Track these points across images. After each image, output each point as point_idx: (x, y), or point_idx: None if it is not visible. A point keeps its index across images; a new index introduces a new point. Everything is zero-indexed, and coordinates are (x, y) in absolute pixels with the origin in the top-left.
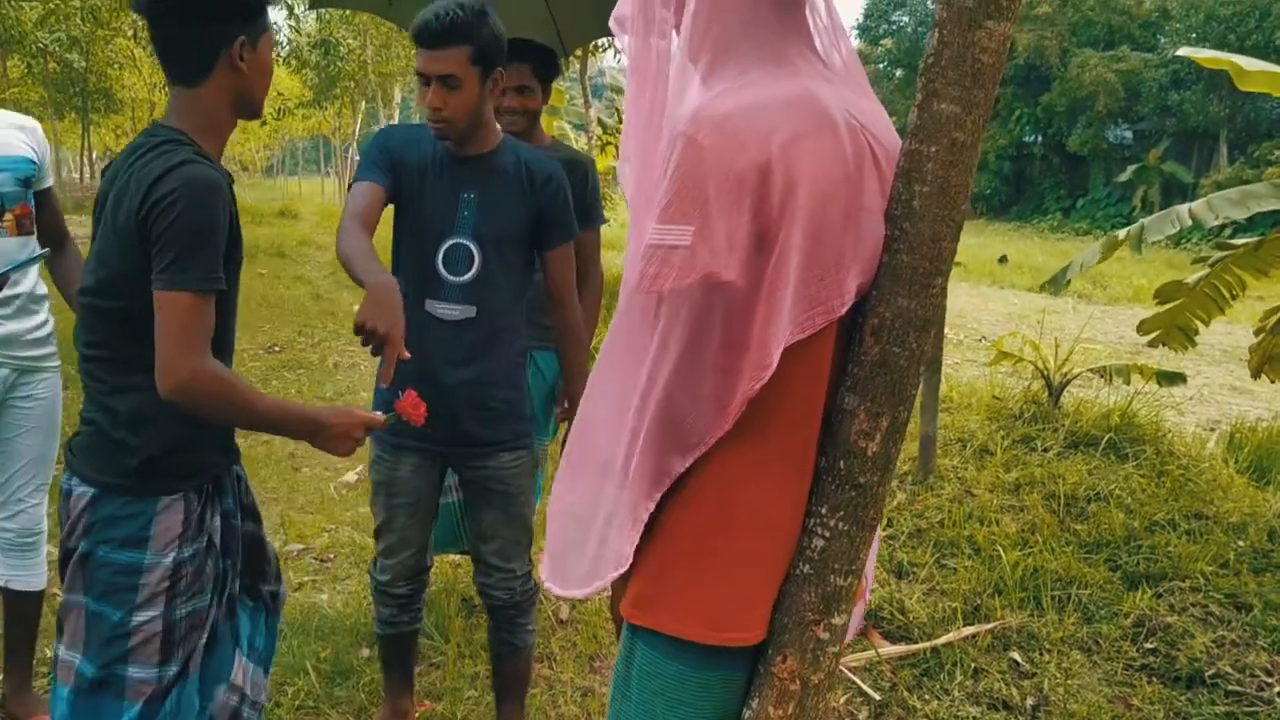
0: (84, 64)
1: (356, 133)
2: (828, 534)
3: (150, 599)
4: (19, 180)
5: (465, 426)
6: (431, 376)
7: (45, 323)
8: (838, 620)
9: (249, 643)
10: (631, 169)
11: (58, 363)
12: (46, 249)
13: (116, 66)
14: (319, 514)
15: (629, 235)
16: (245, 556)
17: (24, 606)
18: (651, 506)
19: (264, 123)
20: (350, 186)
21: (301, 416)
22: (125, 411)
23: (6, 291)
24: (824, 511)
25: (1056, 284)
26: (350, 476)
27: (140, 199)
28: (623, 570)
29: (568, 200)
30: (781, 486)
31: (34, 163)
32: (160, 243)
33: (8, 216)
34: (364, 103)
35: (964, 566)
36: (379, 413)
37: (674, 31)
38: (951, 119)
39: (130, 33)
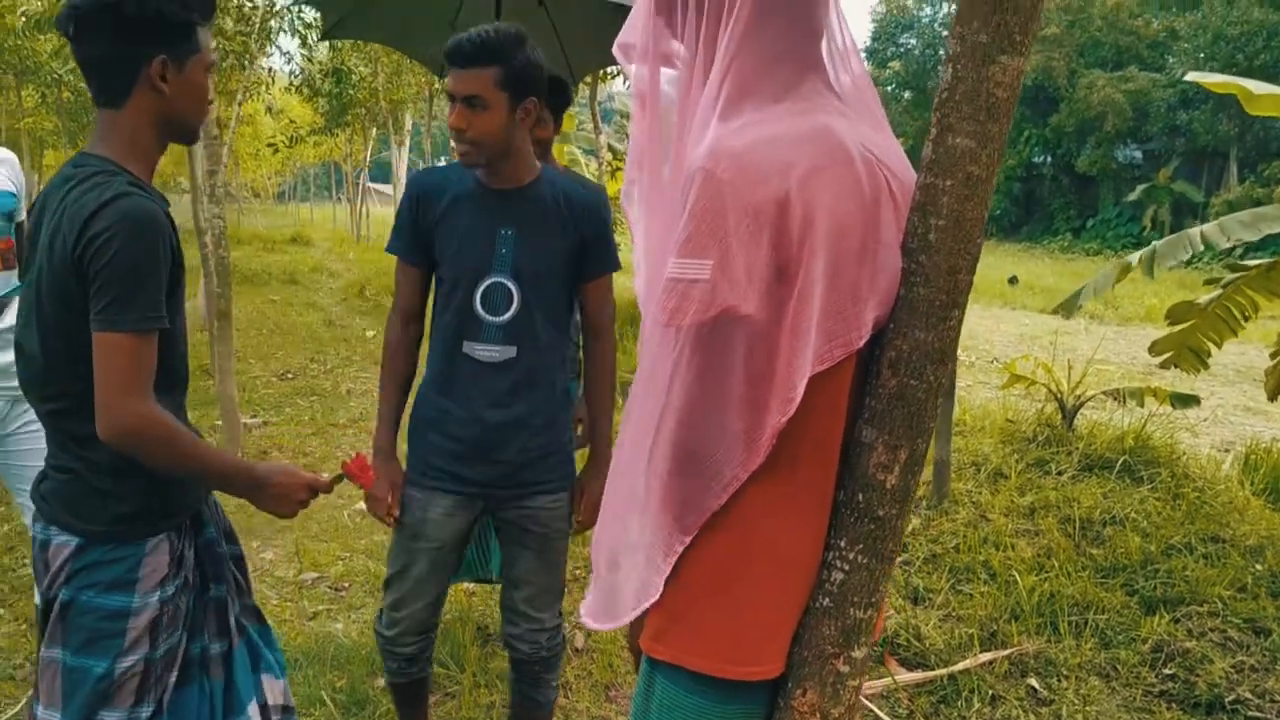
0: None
1: (367, 159)
2: (847, 567)
3: (136, 642)
4: (1, 215)
5: (506, 468)
6: (473, 418)
7: None
8: (858, 653)
9: (275, 662)
10: (637, 193)
11: None
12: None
13: None
14: (333, 542)
15: (635, 261)
16: (234, 578)
17: None
18: (687, 540)
19: (276, 150)
20: (389, 243)
21: (242, 471)
22: (106, 461)
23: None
24: (843, 544)
25: (1069, 308)
26: (364, 505)
27: (75, 237)
28: (654, 600)
29: (609, 231)
30: (800, 520)
31: (15, 195)
32: (98, 282)
33: None
34: (375, 129)
35: (980, 592)
36: (324, 475)
37: (677, 61)
38: (966, 153)
39: None
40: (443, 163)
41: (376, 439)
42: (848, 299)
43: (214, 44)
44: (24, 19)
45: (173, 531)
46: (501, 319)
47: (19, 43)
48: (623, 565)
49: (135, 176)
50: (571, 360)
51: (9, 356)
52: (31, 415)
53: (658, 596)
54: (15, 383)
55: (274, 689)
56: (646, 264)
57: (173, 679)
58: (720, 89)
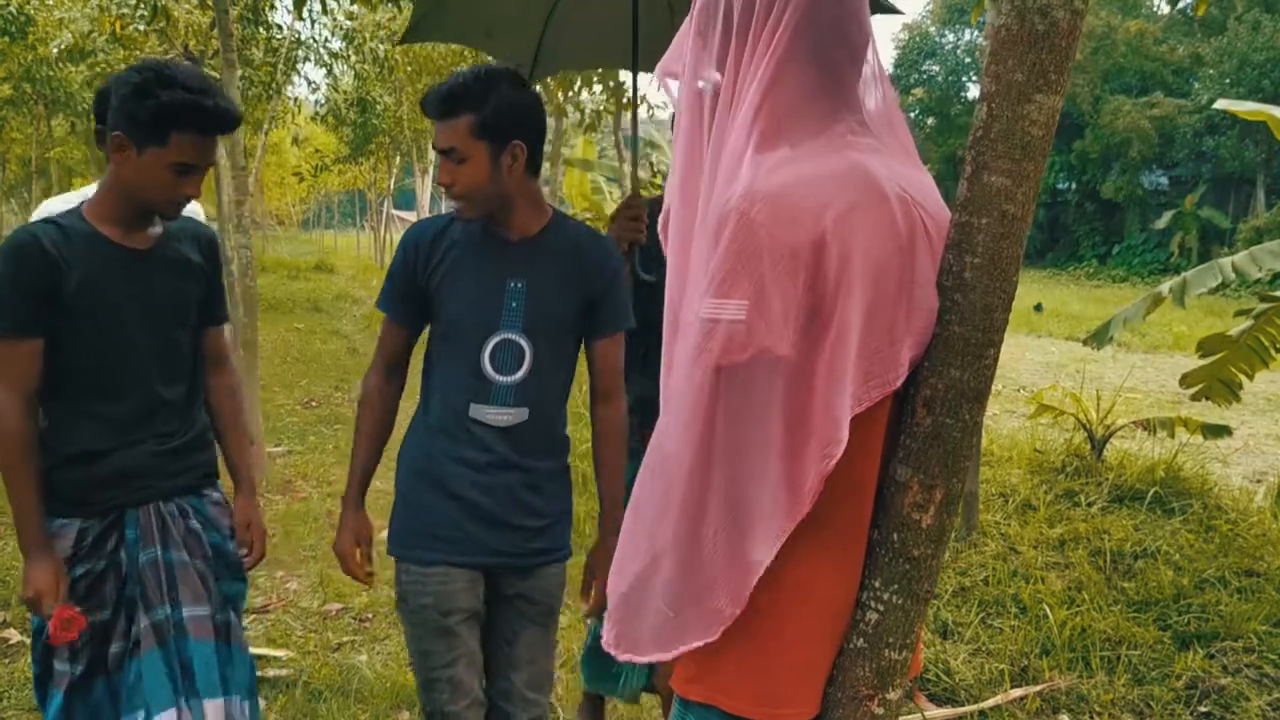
0: None
1: (391, 187)
2: (881, 607)
3: None
4: None
5: (513, 537)
6: (478, 484)
7: None
8: (892, 695)
9: (231, 680)
10: (674, 224)
11: None
12: None
13: None
14: None
15: (668, 289)
16: (169, 585)
17: None
18: (745, 596)
19: (302, 179)
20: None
21: (29, 531)
22: None
23: None
24: (877, 584)
25: (1100, 338)
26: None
27: None
28: (710, 640)
29: (621, 283)
30: (834, 559)
31: None
32: None
33: None
34: (399, 157)
35: (1010, 626)
36: (66, 607)
37: (702, 84)
38: (1002, 191)
39: None
40: None
41: (347, 493)
42: (884, 339)
43: (217, 148)
44: (57, 50)
45: (86, 520)
46: (513, 379)
47: (51, 73)
48: (657, 599)
49: (88, 219)
50: None
51: None
52: None
53: (713, 639)
54: None
55: (215, 710)
56: (676, 298)
57: (111, 649)
58: (755, 120)
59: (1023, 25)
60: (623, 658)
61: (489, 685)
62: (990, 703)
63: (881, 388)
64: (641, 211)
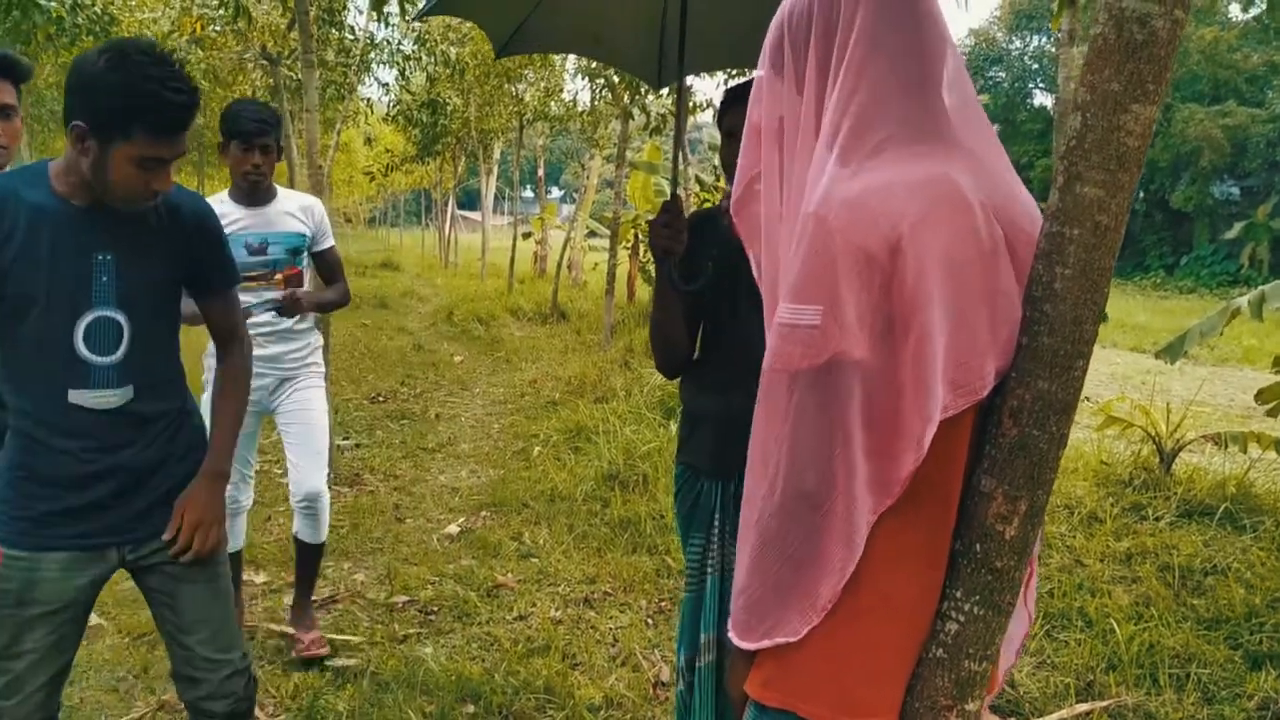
0: (201, 120)
1: (456, 186)
2: (962, 618)
3: None
4: (288, 250)
5: (142, 508)
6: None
7: (304, 347)
8: (971, 706)
9: None
10: (764, 230)
11: (318, 374)
12: (276, 297)
13: None
14: (422, 565)
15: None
16: None
17: (308, 553)
18: (831, 595)
19: (372, 178)
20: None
21: None
22: None
23: (270, 327)
24: (959, 595)
25: (1173, 353)
26: (453, 529)
27: None
28: (795, 639)
29: (223, 242)
30: (915, 567)
31: (304, 235)
32: None
33: (278, 276)
34: (464, 158)
35: (1075, 639)
36: None
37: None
38: (1095, 202)
39: (250, 91)
40: (527, 192)
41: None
42: (969, 349)
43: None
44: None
45: None
46: (111, 359)
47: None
48: (758, 588)
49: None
50: None
51: (283, 347)
52: (289, 393)
53: (798, 638)
54: (286, 366)
55: None
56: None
57: None
58: (836, 130)
59: (1120, 34)
60: (739, 644)
61: (172, 655)
62: (1055, 717)
63: (969, 396)
64: (678, 219)
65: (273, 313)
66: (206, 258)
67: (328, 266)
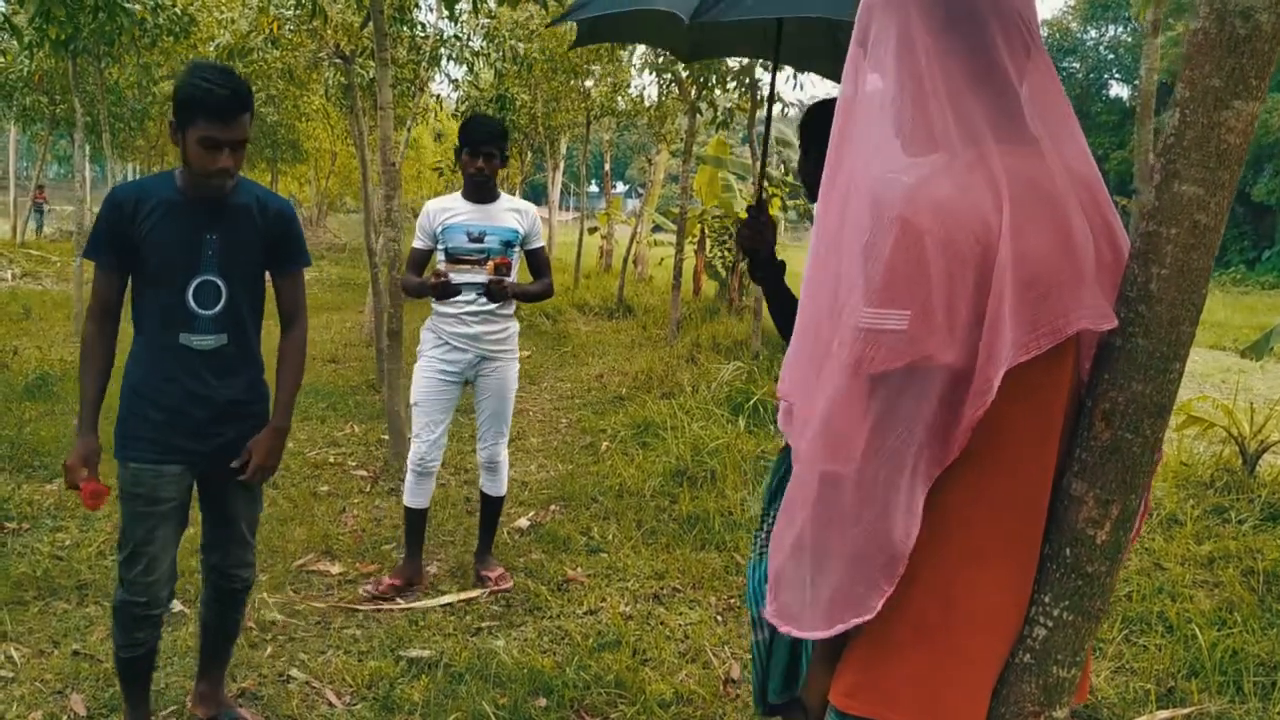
0: (275, 118)
1: (522, 181)
2: (1051, 623)
3: None
4: (503, 242)
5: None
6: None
7: (503, 329)
8: (1059, 713)
9: None
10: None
11: (512, 357)
12: (483, 280)
13: (305, 120)
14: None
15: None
16: None
17: (491, 505)
18: (910, 543)
19: (441, 174)
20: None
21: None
22: None
23: (477, 307)
24: (1048, 600)
25: (1259, 350)
26: (523, 523)
27: None
28: (867, 618)
29: (297, 231)
30: (1002, 571)
31: (518, 232)
32: None
33: (490, 262)
34: (530, 153)
35: (1156, 644)
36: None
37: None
38: (1194, 201)
39: (322, 90)
40: (593, 187)
41: (81, 421)
42: (1046, 282)
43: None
44: (215, 48)
45: None
46: (212, 312)
47: None
48: (815, 573)
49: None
50: None
51: (486, 328)
52: (489, 371)
53: (872, 615)
54: (488, 346)
55: None
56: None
57: None
58: (903, 117)
59: (1222, 29)
60: (783, 629)
61: (212, 538)
62: None
63: (1051, 336)
64: (759, 220)
65: (480, 296)
66: (281, 243)
67: (536, 263)
